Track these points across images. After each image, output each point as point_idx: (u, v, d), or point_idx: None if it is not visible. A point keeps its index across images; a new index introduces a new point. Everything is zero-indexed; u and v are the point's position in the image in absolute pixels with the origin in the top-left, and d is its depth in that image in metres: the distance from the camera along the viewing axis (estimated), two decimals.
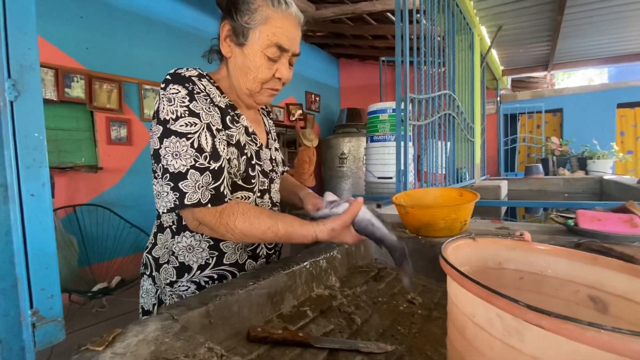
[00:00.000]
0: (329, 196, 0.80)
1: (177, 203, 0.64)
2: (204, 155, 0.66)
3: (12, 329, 0.39)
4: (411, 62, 1.86)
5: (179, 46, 3.86)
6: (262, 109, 0.99)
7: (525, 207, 3.60)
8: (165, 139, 0.65)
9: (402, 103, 1.77)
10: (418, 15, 2.00)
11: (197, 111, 0.67)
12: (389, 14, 4.47)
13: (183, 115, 0.65)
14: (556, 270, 0.50)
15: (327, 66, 6.81)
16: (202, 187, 0.65)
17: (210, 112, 0.70)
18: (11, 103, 0.36)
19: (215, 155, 0.68)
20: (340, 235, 0.71)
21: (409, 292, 0.83)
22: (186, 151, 0.64)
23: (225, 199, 0.68)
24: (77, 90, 3.01)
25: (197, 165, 0.65)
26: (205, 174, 0.65)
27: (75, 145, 3.05)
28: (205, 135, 0.67)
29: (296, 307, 0.73)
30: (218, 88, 0.78)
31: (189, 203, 0.64)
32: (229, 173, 0.75)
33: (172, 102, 0.66)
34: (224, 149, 0.71)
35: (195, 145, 0.65)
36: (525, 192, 3.95)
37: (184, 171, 0.64)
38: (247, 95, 0.79)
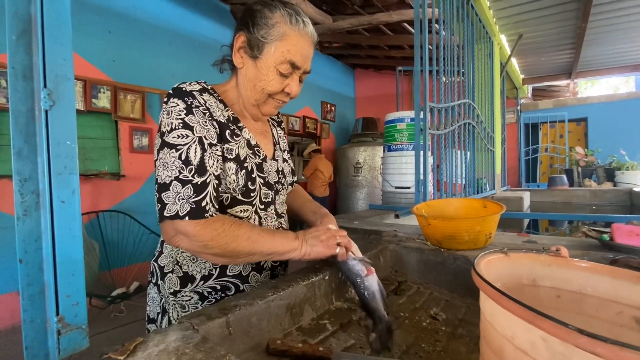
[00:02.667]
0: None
1: (160, 214, 0.63)
2: (189, 168, 0.65)
3: (38, 336, 0.39)
4: (430, 71, 1.84)
5: (199, 57, 3.98)
6: (272, 119, 0.98)
7: (549, 220, 3.46)
8: (160, 151, 0.66)
9: (422, 112, 1.75)
10: (437, 25, 1.99)
11: (192, 124, 0.67)
12: (405, 24, 4.48)
13: (177, 127, 0.66)
14: (597, 289, 0.47)
15: (343, 76, 6.86)
16: (183, 199, 0.63)
17: (206, 126, 0.69)
18: (46, 112, 0.37)
19: (201, 169, 0.66)
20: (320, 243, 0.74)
21: (431, 307, 0.80)
22: (173, 162, 0.64)
23: (206, 214, 0.65)
24: (103, 100, 3.14)
25: (180, 177, 0.64)
26: (187, 186, 0.64)
27: (99, 153, 3.17)
28: (195, 148, 0.66)
29: (315, 320, 0.71)
30: (222, 101, 0.78)
31: (168, 215, 0.62)
32: (228, 189, 0.74)
33: (170, 115, 0.67)
34: (213, 164, 0.69)
35: (183, 157, 0.65)
36: (549, 204, 3.80)
37: (168, 182, 0.63)
38: (253, 105, 0.79)
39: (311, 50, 0.77)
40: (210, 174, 0.67)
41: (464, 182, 2.41)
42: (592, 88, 12.14)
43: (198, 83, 0.74)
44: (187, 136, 0.66)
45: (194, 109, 0.69)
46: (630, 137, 5.31)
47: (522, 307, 0.29)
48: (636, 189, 3.34)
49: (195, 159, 0.65)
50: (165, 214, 0.63)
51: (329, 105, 6.36)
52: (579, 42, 3.66)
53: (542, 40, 3.72)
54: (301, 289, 0.71)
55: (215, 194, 0.68)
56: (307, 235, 0.75)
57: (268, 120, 0.95)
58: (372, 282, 0.73)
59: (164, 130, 0.67)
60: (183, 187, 0.63)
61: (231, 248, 0.66)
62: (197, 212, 0.63)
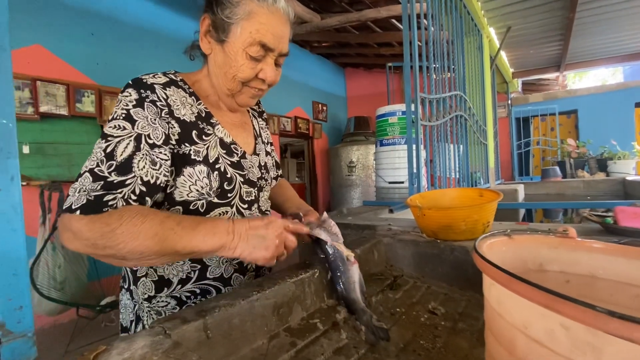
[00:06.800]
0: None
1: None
2: (109, 163, 0.55)
3: None
4: (420, 67, 1.81)
5: (185, 59, 3.91)
6: (252, 109, 0.91)
7: (543, 212, 3.45)
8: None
9: (413, 105, 1.71)
10: (425, 21, 1.96)
11: (136, 118, 0.59)
12: (394, 21, 4.46)
13: (118, 117, 0.59)
14: (610, 272, 0.43)
15: (333, 76, 6.83)
16: (84, 192, 0.52)
17: (155, 124, 0.61)
18: None
19: (123, 168, 0.55)
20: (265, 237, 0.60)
21: (429, 301, 0.75)
22: (96, 153, 0.56)
23: (104, 209, 0.52)
24: (87, 104, 3.05)
25: (95, 170, 0.54)
26: (98, 182, 0.53)
27: (85, 158, 3.06)
28: (127, 145, 0.57)
29: (305, 320, 0.66)
30: (193, 94, 0.71)
31: (63, 208, 0.52)
32: (202, 194, 0.67)
33: (118, 104, 0.61)
34: (144, 166, 0.58)
35: (108, 150, 0.56)
36: (543, 196, 3.80)
37: (81, 173, 0.55)
38: (227, 95, 0.72)
39: (286, 28, 0.69)
40: (135, 177, 0.56)
41: (457, 176, 2.38)
42: (580, 82, 12.31)
43: (165, 75, 0.68)
44: (124, 129, 0.58)
45: (145, 103, 0.61)
46: (620, 127, 5.36)
47: (537, 289, 0.24)
48: (629, 178, 3.35)
49: (120, 156, 0.56)
50: (64, 207, 0.52)
51: (320, 105, 6.32)
52: (567, 34, 3.67)
53: (530, 32, 3.72)
54: (289, 287, 0.66)
55: (134, 198, 0.56)
56: (251, 232, 0.59)
57: (248, 111, 0.88)
58: (354, 272, 0.69)
59: (108, 119, 0.60)
60: (93, 181, 0.53)
61: (129, 249, 0.51)
62: (92, 206, 0.51)
